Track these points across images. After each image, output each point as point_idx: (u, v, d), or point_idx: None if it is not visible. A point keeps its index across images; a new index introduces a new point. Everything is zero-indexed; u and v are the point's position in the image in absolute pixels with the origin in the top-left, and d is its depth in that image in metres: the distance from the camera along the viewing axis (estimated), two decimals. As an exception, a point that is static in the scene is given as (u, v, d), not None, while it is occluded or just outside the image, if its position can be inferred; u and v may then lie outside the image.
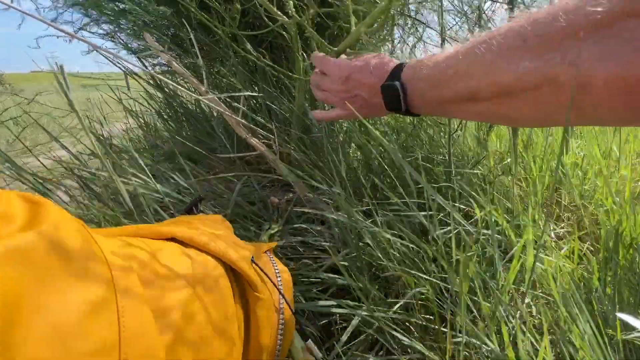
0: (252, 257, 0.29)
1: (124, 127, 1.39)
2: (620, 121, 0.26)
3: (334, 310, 0.44)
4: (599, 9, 0.21)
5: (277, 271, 0.33)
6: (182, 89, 0.74)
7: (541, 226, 0.71)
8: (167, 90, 0.91)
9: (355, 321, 0.42)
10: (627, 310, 0.39)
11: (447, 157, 0.73)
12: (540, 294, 0.47)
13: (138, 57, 0.86)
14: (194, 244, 0.26)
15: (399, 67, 0.39)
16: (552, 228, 0.80)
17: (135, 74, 0.87)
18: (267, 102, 0.71)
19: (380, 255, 0.49)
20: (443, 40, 0.65)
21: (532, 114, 0.28)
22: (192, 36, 0.63)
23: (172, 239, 0.27)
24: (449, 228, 0.53)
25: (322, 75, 0.49)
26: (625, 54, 0.21)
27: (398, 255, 0.50)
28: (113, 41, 1.00)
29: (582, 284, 0.49)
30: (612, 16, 0.21)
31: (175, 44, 0.75)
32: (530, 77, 0.26)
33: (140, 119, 1.23)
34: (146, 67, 0.90)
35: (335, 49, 0.58)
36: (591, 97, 0.23)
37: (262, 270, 0.29)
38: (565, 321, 0.33)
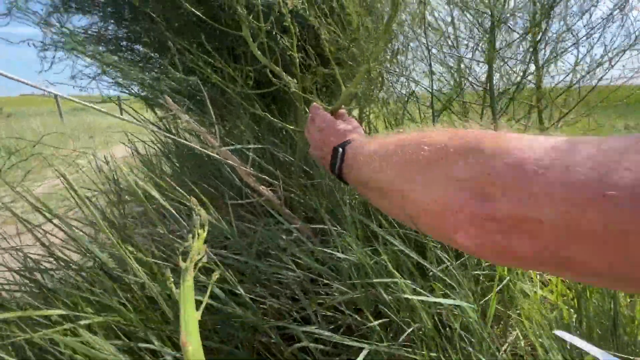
0: None
1: (125, 155, 1.42)
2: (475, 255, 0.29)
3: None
4: (426, 149, 0.28)
5: None
6: (185, 139, 0.80)
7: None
8: (174, 134, 0.98)
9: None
10: (596, 344, 0.45)
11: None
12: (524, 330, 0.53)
13: (151, 108, 0.93)
14: None
15: (352, 139, 0.46)
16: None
17: (152, 122, 0.94)
18: (272, 152, 0.78)
19: (384, 295, 0.54)
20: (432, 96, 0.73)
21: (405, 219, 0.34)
22: (205, 94, 0.71)
23: None
24: (445, 265, 0.59)
25: (311, 120, 0.58)
26: (447, 189, 0.26)
27: (398, 293, 0.56)
28: (124, 92, 1.07)
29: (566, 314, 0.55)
30: (445, 153, 0.27)
31: (188, 97, 0.82)
32: (396, 188, 0.32)
33: (144, 151, 1.29)
34: (158, 115, 0.96)
35: (330, 107, 0.66)
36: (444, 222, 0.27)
37: None
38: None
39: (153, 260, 0.56)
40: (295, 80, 0.71)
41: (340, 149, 0.45)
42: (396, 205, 0.34)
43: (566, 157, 0.20)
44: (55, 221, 0.87)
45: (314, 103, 0.62)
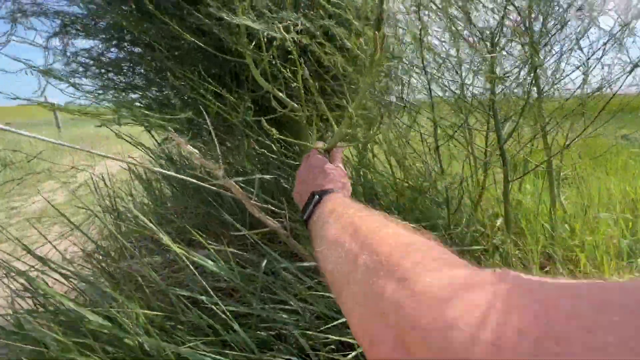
0: None
1: (123, 167, 1.38)
2: None
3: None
4: (364, 257, 0.27)
5: None
6: (185, 164, 0.77)
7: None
8: (174, 160, 0.95)
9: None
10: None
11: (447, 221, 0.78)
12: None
13: (150, 134, 0.91)
14: None
15: (330, 190, 0.45)
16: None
17: (149, 148, 0.92)
18: (277, 180, 0.76)
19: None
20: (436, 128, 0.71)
21: None
22: (208, 122, 0.68)
23: None
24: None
25: (306, 158, 0.59)
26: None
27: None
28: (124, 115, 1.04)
29: None
30: (380, 273, 0.25)
31: (188, 125, 0.80)
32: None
33: (143, 175, 1.26)
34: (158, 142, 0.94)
35: (325, 146, 0.64)
36: None
37: None
38: None
39: (149, 312, 0.52)
40: (299, 107, 0.69)
41: (317, 197, 0.44)
42: (334, 294, 0.31)
43: (502, 332, 0.16)
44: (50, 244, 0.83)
45: (316, 143, 0.62)
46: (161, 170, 0.53)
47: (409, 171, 0.76)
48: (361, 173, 0.88)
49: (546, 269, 0.96)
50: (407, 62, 0.80)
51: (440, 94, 0.80)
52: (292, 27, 0.52)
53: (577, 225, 1.09)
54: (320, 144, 0.64)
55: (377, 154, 0.94)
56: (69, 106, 0.95)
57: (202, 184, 0.59)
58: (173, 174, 0.55)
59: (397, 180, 0.80)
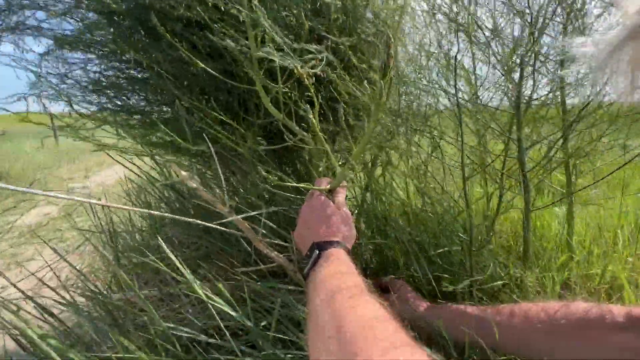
0: None
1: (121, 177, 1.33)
2: None
3: None
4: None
5: None
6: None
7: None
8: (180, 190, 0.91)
9: None
10: None
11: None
12: None
13: (153, 159, 0.86)
14: None
15: (332, 243, 0.46)
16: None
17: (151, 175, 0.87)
18: (284, 211, 0.72)
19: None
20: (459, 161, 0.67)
21: None
22: (212, 150, 0.64)
23: None
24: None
25: (310, 195, 0.59)
26: None
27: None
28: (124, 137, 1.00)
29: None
30: None
31: (195, 156, 0.76)
32: None
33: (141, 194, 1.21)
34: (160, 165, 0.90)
35: (329, 187, 0.60)
36: None
37: None
38: None
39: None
40: (311, 137, 0.65)
41: (317, 251, 0.45)
42: None
43: None
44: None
45: (314, 189, 0.59)
46: (161, 213, 0.49)
47: (431, 200, 0.71)
48: (372, 199, 0.84)
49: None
50: (431, 84, 0.77)
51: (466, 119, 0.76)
52: (310, 61, 0.48)
53: (595, 251, 1.05)
54: (324, 183, 0.61)
55: (392, 174, 0.89)
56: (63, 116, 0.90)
57: (207, 224, 0.54)
58: (176, 216, 0.51)
59: (414, 209, 0.76)
